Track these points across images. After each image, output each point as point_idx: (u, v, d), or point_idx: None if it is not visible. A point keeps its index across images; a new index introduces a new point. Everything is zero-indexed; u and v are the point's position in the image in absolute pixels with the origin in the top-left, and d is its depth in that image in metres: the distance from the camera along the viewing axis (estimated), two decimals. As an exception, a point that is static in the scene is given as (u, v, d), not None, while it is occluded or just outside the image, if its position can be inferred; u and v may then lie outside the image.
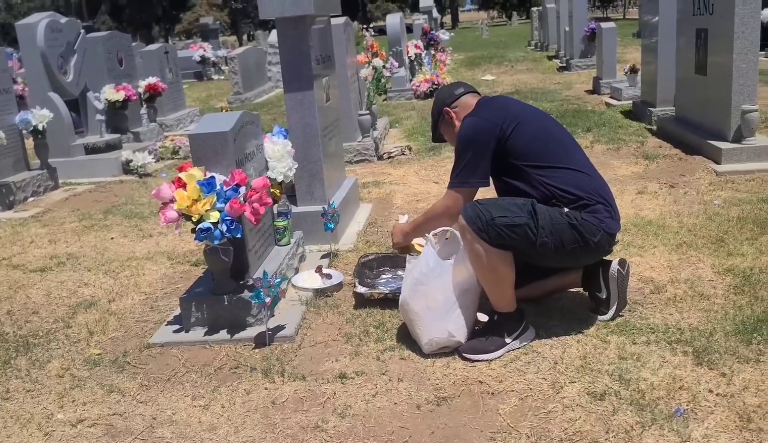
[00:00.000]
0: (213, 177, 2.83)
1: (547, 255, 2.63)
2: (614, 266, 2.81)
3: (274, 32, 14.90)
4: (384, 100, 10.21)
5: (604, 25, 10.24)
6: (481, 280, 2.66)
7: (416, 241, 3.32)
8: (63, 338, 3.15)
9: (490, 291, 2.68)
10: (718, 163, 5.16)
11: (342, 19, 5.91)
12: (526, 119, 2.79)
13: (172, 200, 2.81)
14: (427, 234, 2.80)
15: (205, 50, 18.57)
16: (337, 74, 4.98)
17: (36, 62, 6.73)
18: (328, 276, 3.48)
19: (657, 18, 7.02)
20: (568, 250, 2.61)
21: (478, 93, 3.00)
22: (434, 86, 10.72)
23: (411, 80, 11.04)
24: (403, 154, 6.63)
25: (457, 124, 2.92)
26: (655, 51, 7.14)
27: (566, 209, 2.62)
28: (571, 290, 3.08)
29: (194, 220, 2.81)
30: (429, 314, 2.66)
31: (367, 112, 6.50)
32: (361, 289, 3.21)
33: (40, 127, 5.98)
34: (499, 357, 2.63)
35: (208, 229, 2.78)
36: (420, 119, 8.77)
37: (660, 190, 4.74)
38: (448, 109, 2.96)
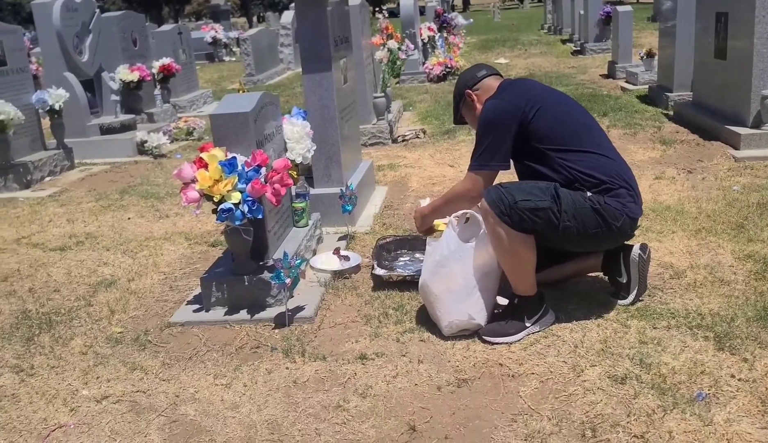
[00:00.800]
0: (234, 157, 2.83)
1: (570, 239, 2.63)
2: (635, 250, 2.80)
3: (286, 14, 14.85)
4: (397, 83, 10.16)
5: (619, 8, 10.12)
6: (503, 263, 2.66)
7: (439, 221, 3.30)
8: (85, 316, 3.19)
9: (511, 275, 2.68)
10: (736, 148, 5.12)
11: (358, 1, 5.88)
12: (548, 103, 2.77)
13: (194, 180, 2.83)
14: (449, 217, 2.80)
15: (216, 31, 18.50)
16: (353, 56, 4.96)
17: (52, 42, 6.74)
18: (346, 258, 3.49)
19: (675, 1, 6.94)
20: (591, 234, 2.61)
21: (501, 75, 2.97)
22: (447, 69, 10.66)
23: (424, 63, 10.98)
24: (418, 137, 6.62)
25: (479, 107, 2.88)
26: (672, 35, 7.06)
27: (589, 194, 2.61)
28: (591, 274, 3.08)
29: (215, 200, 2.82)
30: (449, 296, 2.67)
31: (382, 94, 6.48)
32: (379, 271, 3.22)
33: (56, 106, 6.00)
34: (519, 341, 2.64)
35: (229, 209, 2.80)
36: (434, 102, 8.74)
37: (678, 175, 4.71)
38: (469, 91, 2.93)
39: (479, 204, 2.66)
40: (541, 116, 2.71)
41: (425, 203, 3.15)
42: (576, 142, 2.70)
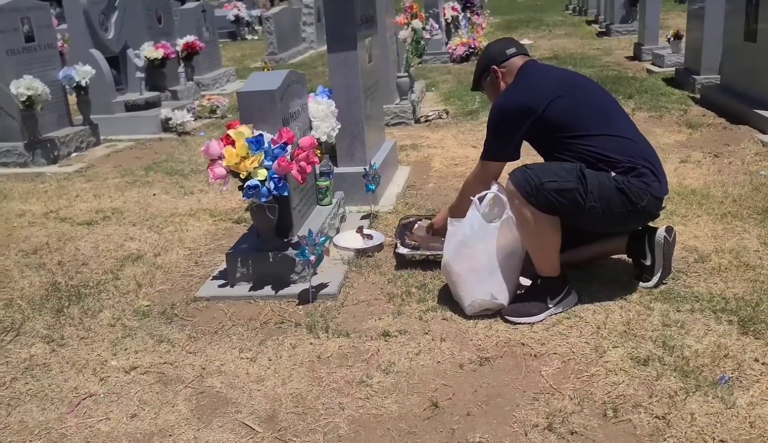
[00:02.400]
0: (261, 135, 2.86)
1: (596, 220, 2.63)
2: (660, 232, 2.79)
3: (308, -8, 14.76)
4: (419, 63, 10.10)
5: (647, -11, 9.94)
6: (528, 244, 2.67)
7: None
8: (112, 289, 3.25)
9: (535, 255, 2.69)
10: (764, 133, 5.05)
11: (383, -21, 5.84)
12: (565, 92, 2.74)
13: (221, 157, 2.85)
14: (472, 197, 2.80)
15: (239, 10, 18.48)
16: (378, 35, 4.95)
17: (78, 19, 6.78)
18: (369, 237, 3.52)
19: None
20: (617, 214, 2.61)
21: (528, 55, 2.95)
22: (470, 50, 10.57)
23: (447, 43, 10.91)
24: (441, 117, 6.60)
25: (502, 85, 2.89)
26: (701, 17, 6.95)
27: (613, 174, 2.60)
28: (614, 256, 3.07)
29: (242, 177, 2.85)
30: (472, 276, 2.69)
31: (406, 74, 6.46)
32: (402, 250, 3.24)
33: (83, 83, 6.06)
34: (541, 321, 2.65)
35: (255, 186, 2.83)
36: (456, 82, 8.69)
37: (704, 159, 4.67)
38: (496, 67, 2.90)
39: (505, 186, 2.66)
40: (556, 107, 2.69)
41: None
42: (593, 126, 2.69)
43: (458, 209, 2.96)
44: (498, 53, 2.92)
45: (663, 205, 2.75)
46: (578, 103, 2.74)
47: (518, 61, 2.90)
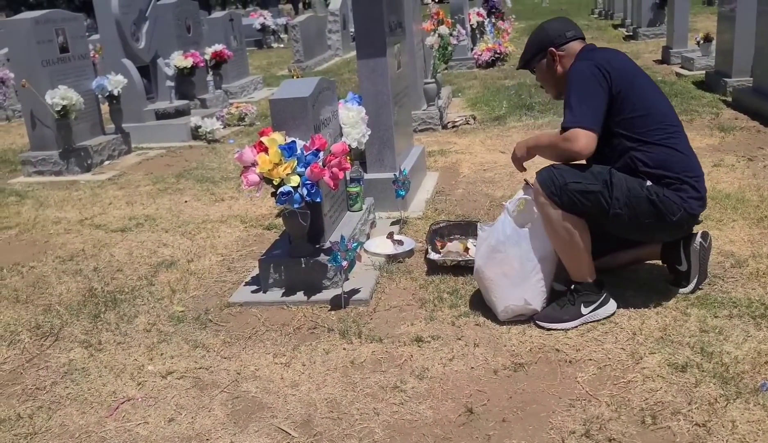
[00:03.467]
0: (294, 142, 2.88)
1: (621, 226, 2.61)
2: (696, 239, 2.75)
3: (334, 0, 14.87)
4: (445, 69, 10.12)
5: (676, -9, 9.83)
6: (554, 245, 2.65)
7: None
8: (147, 295, 3.30)
9: (564, 258, 2.67)
10: (799, 136, 4.96)
11: (410, -14, 5.86)
12: (636, 84, 2.62)
13: (254, 164, 2.89)
14: (504, 203, 2.79)
15: (265, 18, 18.67)
16: (406, 42, 4.97)
17: (110, 29, 6.91)
18: (400, 242, 3.52)
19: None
20: (644, 224, 2.58)
21: (585, 39, 2.81)
22: (496, 55, 10.56)
23: (473, 49, 10.89)
24: (468, 123, 6.59)
25: (559, 69, 2.75)
26: (732, 19, 6.85)
27: (648, 183, 2.56)
28: (649, 261, 3.04)
29: (275, 183, 2.88)
30: (505, 281, 2.68)
31: (433, 80, 6.47)
32: (434, 255, 3.24)
33: (115, 92, 6.17)
34: (575, 328, 2.63)
35: (288, 193, 2.85)
36: (483, 88, 8.68)
37: (737, 163, 4.60)
38: (554, 50, 2.74)
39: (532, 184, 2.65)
40: (627, 96, 2.58)
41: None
42: (652, 133, 2.58)
43: (537, 153, 2.79)
44: (557, 35, 2.75)
45: (698, 220, 2.70)
46: (645, 102, 2.62)
47: (577, 45, 2.75)
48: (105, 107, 6.49)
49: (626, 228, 2.64)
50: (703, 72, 7.90)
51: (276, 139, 2.88)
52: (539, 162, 2.78)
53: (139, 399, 2.43)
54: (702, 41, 8.45)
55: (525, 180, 2.79)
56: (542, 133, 2.91)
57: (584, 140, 2.52)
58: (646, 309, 2.70)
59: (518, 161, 2.90)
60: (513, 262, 2.67)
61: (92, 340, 2.88)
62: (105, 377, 2.59)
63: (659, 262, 2.97)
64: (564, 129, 2.57)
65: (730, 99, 6.54)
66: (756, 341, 2.43)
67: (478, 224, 2.89)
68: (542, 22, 2.91)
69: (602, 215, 2.56)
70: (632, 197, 2.54)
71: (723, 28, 7.25)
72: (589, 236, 2.62)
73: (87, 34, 6.81)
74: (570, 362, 2.43)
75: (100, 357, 2.75)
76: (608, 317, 2.66)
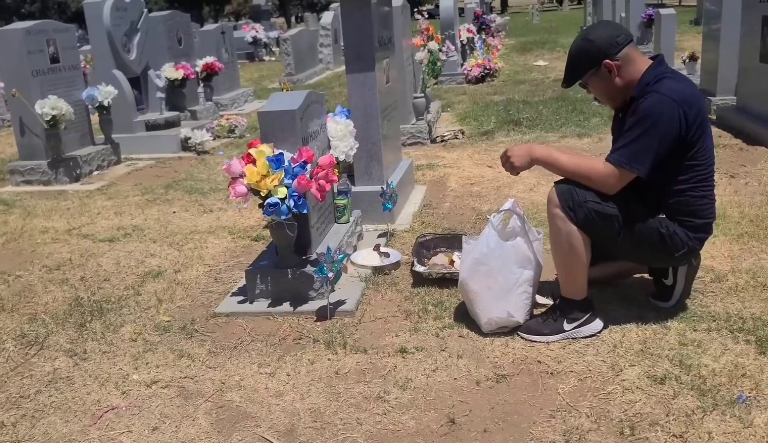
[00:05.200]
0: (282, 154, 2.91)
1: (624, 250, 2.65)
2: (687, 257, 2.78)
3: (326, 14, 15.01)
4: (435, 84, 10.21)
5: (663, 11, 10.01)
6: (556, 258, 2.67)
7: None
8: (134, 304, 3.30)
9: (561, 272, 2.68)
10: (781, 154, 5.05)
11: (400, 2, 5.94)
12: (707, 125, 2.50)
13: (242, 175, 2.91)
14: (488, 216, 2.81)
15: (257, 31, 18.76)
16: (395, 56, 5.02)
17: (102, 40, 6.94)
18: (386, 255, 3.55)
19: (720, 1, 6.85)
20: (647, 252, 2.63)
21: (633, 39, 2.62)
22: (486, 71, 10.66)
23: (462, 65, 11.00)
24: (456, 138, 6.65)
25: (618, 80, 2.56)
26: (717, 39, 6.98)
27: (662, 215, 2.56)
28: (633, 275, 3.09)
29: (263, 195, 2.90)
30: (489, 294, 2.71)
31: (422, 95, 6.53)
32: (419, 268, 3.28)
33: (105, 103, 6.19)
34: (555, 341, 2.66)
35: (276, 204, 2.88)
36: (472, 103, 8.76)
37: (720, 180, 4.65)
38: (610, 62, 2.53)
39: (548, 194, 2.61)
40: (698, 144, 2.45)
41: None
42: (694, 182, 2.52)
43: (555, 170, 2.64)
44: (608, 44, 2.53)
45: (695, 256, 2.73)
46: (708, 153, 2.52)
47: (632, 52, 2.56)
48: (95, 118, 6.51)
49: (628, 252, 2.70)
50: (689, 90, 8.01)
51: (264, 151, 2.91)
52: (524, 176, 2.82)
53: (124, 408, 2.44)
54: (688, 60, 8.59)
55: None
56: (559, 151, 2.67)
57: (624, 181, 2.48)
58: (627, 322, 2.74)
59: (515, 169, 2.68)
60: (497, 275, 2.70)
61: (77, 349, 2.89)
62: (89, 386, 2.60)
63: (642, 274, 3.02)
64: (613, 163, 2.47)
65: (714, 117, 6.64)
66: (733, 354, 2.47)
67: (463, 237, 2.92)
68: (584, 31, 2.69)
69: (611, 238, 2.57)
70: (643, 227, 2.55)
71: (708, 47, 7.38)
72: (590, 255, 2.62)
73: (78, 44, 6.84)
74: (551, 373, 2.46)
75: (85, 365, 2.75)
76: (592, 335, 2.66)
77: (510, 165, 2.68)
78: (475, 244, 2.78)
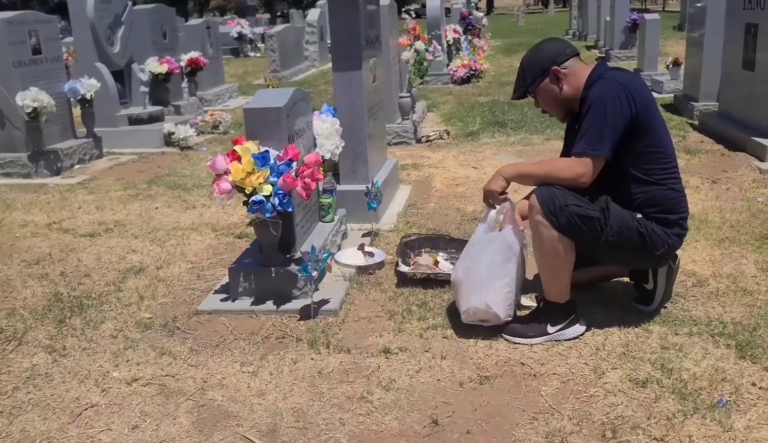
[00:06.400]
0: (267, 151, 2.89)
1: (607, 253, 2.66)
2: (666, 260, 2.81)
3: (312, 12, 14.95)
4: (421, 83, 10.22)
5: (647, 16, 10.09)
6: (539, 263, 2.67)
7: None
8: (115, 301, 3.27)
9: (545, 276, 2.69)
10: (762, 160, 5.10)
11: (387, 1, 5.93)
12: (656, 116, 2.59)
13: (227, 172, 2.89)
14: (486, 210, 2.76)
15: (242, 27, 18.66)
16: (382, 56, 5.01)
17: (85, 32, 6.85)
18: (371, 254, 3.55)
19: (704, 8, 6.92)
20: (629, 253, 2.64)
21: (579, 55, 2.76)
22: (471, 72, 10.69)
23: (448, 65, 11.02)
24: (442, 138, 6.66)
25: (566, 89, 2.68)
26: (700, 45, 7.05)
27: (639, 215, 2.59)
28: (616, 278, 3.10)
29: (247, 192, 2.88)
30: (470, 283, 2.69)
31: (408, 94, 6.53)
32: (404, 268, 3.27)
33: (88, 96, 6.11)
34: (539, 344, 2.67)
35: (260, 202, 2.86)
36: (457, 104, 8.78)
37: (702, 185, 4.72)
38: (558, 68, 2.66)
39: (529, 200, 2.61)
40: (646, 127, 2.54)
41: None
42: (657, 172, 2.59)
43: (531, 183, 2.68)
44: (557, 53, 2.69)
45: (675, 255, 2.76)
46: (658, 138, 2.60)
47: (578, 64, 2.70)
48: (77, 111, 6.43)
49: (611, 255, 2.71)
50: (672, 95, 8.09)
51: (249, 148, 2.89)
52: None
53: (103, 406, 2.41)
54: (671, 65, 8.67)
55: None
56: (522, 162, 2.75)
57: (595, 169, 2.53)
58: (610, 325, 2.75)
59: (497, 194, 2.66)
60: (480, 264, 2.68)
61: (56, 345, 2.85)
62: (68, 383, 2.56)
63: (625, 279, 3.04)
64: (576, 154, 2.54)
65: (697, 122, 6.71)
66: (714, 358, 2.49)
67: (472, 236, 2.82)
68: (534, 44, 2.83)
69: (593, 241, 2.57)
70: (623, 228, 2.56)
71: (691, 53, 7.45)
72: (574, 259, 2.63)
73: (61, 36, 6.76)
74: (534, 375, 2.47)
75: (64, 362, 2.71)
76: (575, 338, 2.67)
77: (490, 194, 2.69)
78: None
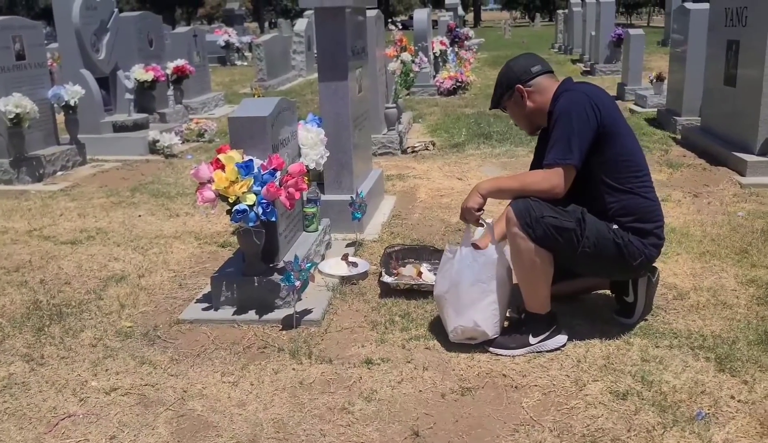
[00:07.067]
0: (251, 160, 2.89)
1: (584, 264, 2.68)
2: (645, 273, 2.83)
3: (300, 21, 14.98)
4: (407, 95, 10.25)
5: (632, 31, 10.21)
6: (518, 275, 2.69)
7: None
8: (95, 309, 3.23)
9: (524, 288, 2.70)
10: (742, 175, 5.17)
11: (374, 12, 5.95)
12: (620, 123, 2.64)
13: (210, 181, 2.88)
14: (466, 225, 2.78)
15: (230, 35, 18.66)
16: (368, 66, 5.03)
17: (70, 38, 6.82)
18: (354, 264, 3.54)
19: (687, 24, 7.02)
20: (606, 264, 2.65)
21: (553, 73, 2.82)
22: (458, 84, 10.74)
23: (435, 76, 11.07)
24: (427, 149, 6.68)
25: (530, 105, 2.75)
26: (683, 60, 7.14)
27: (615, 226, 2.61)
28: (597, 291, 3.12)
29: (231, 201, 2.87)
30: (457, 302, 2.69)
31: (394, 105, 6.55)
32: (387, 278, 3.27)
33: (72, 102, 6.08)
34: (521, 355, 2.67)
35: (244, 211, 2.85)
36: (443, 115, 8.82)
37: (684, 199, 4.76)
38: (521, 87, 2.75)
39: (506, 213, 2.64)
40: (612, 137, 2.59)
41: (479, 233, 2.90)
42: (628, 180, 2.62)
43: (506, 197, 2.70)
44: (522, 71, 2.76)
45: (652, 265, 2.78)
46: (627, 146, 2.64)
47: (546, 80, 2.76)
48: (61, 117, 6.39)
49: (588, 266, 2.72)
50: (655, 109, 8.18)
51: (233, 157, 2.88)
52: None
53: (81, 416, 2.37)
54: (655, 80, 8.76)
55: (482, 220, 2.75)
56: (498, 177, 2.76)
57: (567, 178, 2.56)
58: (591, 337, 2.77)
59: (473, 212, 2.68)
60: (465, 283, 2.68)
61: (34, 354, 2.81)
62: (46, 392, 2.53)
63: (607, 291, 3.06)
64: (548, 165, 2.59)
65: (679, 137, 6.79)
66: (694, 371, 2.51)
67: (447, 245, 2.86)
68: (508, 60, 2.90)
69: (570, 252, 2.59)
70: (600, 239, 2.58)
71: (675, 68, 7.54)
72: (553, 270, 2.64)
73: (46, 42, 6.72)
74: (516, 387, 2.47)
75: (41, 371, 2.68)
76: (557, 349, 2.69)
77: (467, 211, 2.70)
78: (453, 251, 2.76)
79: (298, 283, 2.87)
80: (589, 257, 2.60)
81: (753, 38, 5.35)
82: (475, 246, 2.75)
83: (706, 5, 6.66)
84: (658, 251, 2.72)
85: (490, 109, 2.97)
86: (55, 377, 2.63)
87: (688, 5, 7.45)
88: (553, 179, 2.57)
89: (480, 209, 2.68)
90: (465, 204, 2.70)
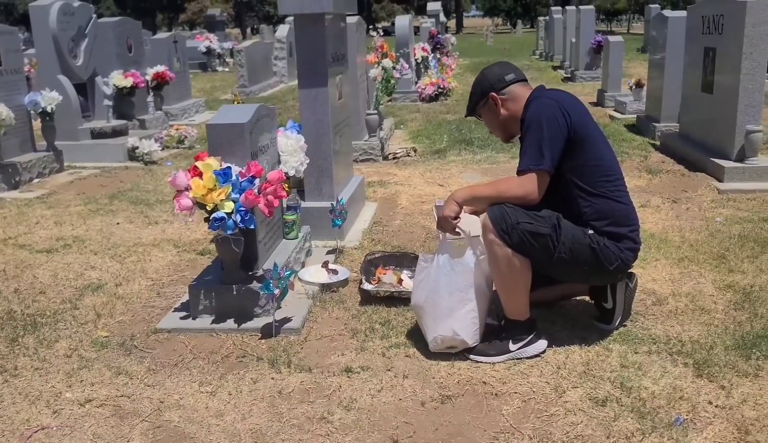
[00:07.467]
0: (229, 167, 2.86)
1: (560, 269, 2.68)
2: (623, 279, 2.84)
3: (281, 27, 14.94)
4: (389, 101, 10.26)
5: (611, 38, 10.30)
6: (497, 282, 2.69)
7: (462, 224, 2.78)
8: (70, 319, 3.18)
9: (503, 295, 2.70)
10: (720, 181, 5.22)
11: (355, 19, 5.95)
12: (591, 128, 2.68)
13: (188, 188, 2.85)
14: (442, 233, 2.78)
15: (211, 41, 18.58)
16: (349, 73, 5.02)
17: (47, 44, 6.74)
18: (335, 272, 3.52)
19: (665, 32, 7.09)
20: (582, 269, 2.65)
21: (527, 81, 2.84)
22: (439, 90, 10.77)
23: (416, 83, 11.09)
24: (408, 155, 6.68)
25: (503, 113, 2.78)
26: (661, 67, 7.21)
27: (590, 231, 2.62)
28: (577, 298, 3.12)
29: (208, 209, 2.84)
30: (435, 311, 2.69)
31: (375, 112, 6.54)
32: (367, 286, 3.25)
33: (48, 109, 6.00)
34: (502, 362, 2.67)
35: (222, 218, 2.82)
36: (425, 121, 8.83)
37: (662, 204, 4.80)
38: (494, 95, 2.77)
39: (482, 220, 2.64)
40: (583, 142, 2.61)
41: (440, 203, 2.87)
42: (600, 184, 2.64)
43: (482, 205, 2.71)
44: (496, 80, 2.78)
45: (629, 270, 2.79)
46: (598, 150, 2.66)
47: (520, 89, 2.78)
48: (37, 124, 6.30)
49: (565, 272, 2.72)
50: (635, 116, 8.25)
51: (211, 164, 2.86)
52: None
53: (54, 428, 2.33)
54: (634, 86, 8.84)
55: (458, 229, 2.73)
56: (473, 185, 2.75)
57: (540, 184, 2.59)
58: (571, 344, 2.77)
59: (450, 221, 2.69)
60: (443, 293, 2.69)
61: (7, 365, 2.76)
62: (19, 404, 2.48)
63: (586, 298, 3.06)
64: (521, 171, 2.61)
65: (658, 143, 6.85)
66: (672, 377, 2.52)
67: (420, 254, 2.89)
68: (483, 68, 2.93)
69: (546, 258, 2.60)
70: (576, 244, 2.59)
71: (653, 75, 7.62)
72: (531, 276, 2.65)
73: (24, 48, 6.63)
74: (496, 395, 2.46)
75: (14, 382, 2.63)
76: (537, 355, 2.69)
77: (443, 220, 2.71)
78: (428, 259, 2.76)
79: (277, 291, 2.85)
80: (565, 263, 2.61)
81: (729, 46, 5.42)
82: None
83: (683, 13, 6.74)
84: (635, 255, 2.73)
85: (465, 116, 3.00)
86: (28, 388, 2.58)
87: (666, 13, 7.55)
88: (527, 185, 2.60)
89: (456, 217, 2.69)
90: (441, 213, 2.71)
